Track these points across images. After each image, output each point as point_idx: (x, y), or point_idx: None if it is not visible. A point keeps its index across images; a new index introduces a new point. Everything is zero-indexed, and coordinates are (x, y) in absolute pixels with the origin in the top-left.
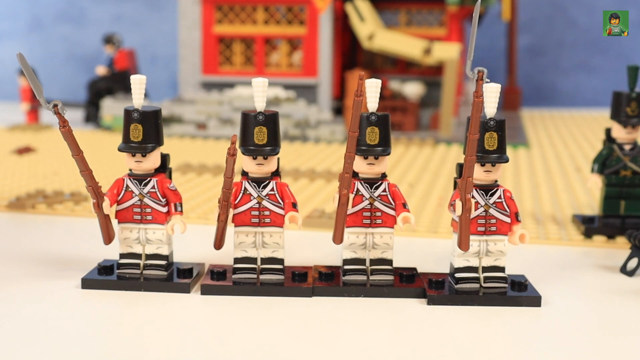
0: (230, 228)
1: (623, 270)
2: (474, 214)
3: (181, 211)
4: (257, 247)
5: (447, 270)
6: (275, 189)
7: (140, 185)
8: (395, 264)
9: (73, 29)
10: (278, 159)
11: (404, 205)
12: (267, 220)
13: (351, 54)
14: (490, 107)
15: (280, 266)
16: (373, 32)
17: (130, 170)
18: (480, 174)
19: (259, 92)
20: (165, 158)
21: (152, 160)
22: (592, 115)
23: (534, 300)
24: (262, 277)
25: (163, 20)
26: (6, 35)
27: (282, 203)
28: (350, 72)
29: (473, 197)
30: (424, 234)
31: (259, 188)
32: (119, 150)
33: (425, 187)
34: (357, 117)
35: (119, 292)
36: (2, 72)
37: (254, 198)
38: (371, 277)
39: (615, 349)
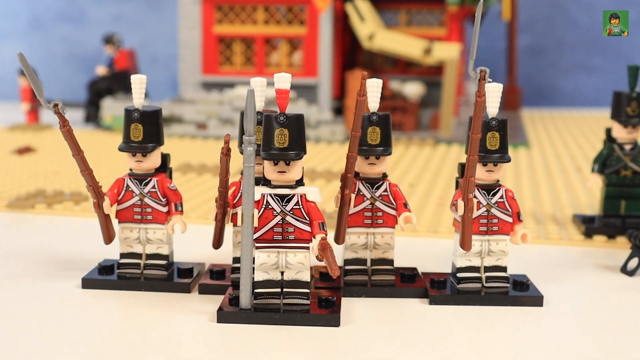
0: (229, 227)
1: (624, 270)
2: (476, 213)
3: (181, 211)
4: None
5: (448, 270)
6: None
7: (141, 185)
8: (397, 264)
9: (73, 29)
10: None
11: (405, 205)
12: None
13: (351, 54)
14: (493, 107)
15: None
16: (373, 32)
17: (131, 170)
18: (482, 174)
19: (257, 92)
20: (165, 158)
21: (153, 160)
22: (592, 115)
23: (536, 300)
24: None
25: (163, 20)
26: (6, 35)
27: None
28: (350, 72)
29: (475, 196)
30: (425, 234)
31: None
32: (120, 149)
33: (426, 187)
34: (360, 117)
35: (119, 292)
36: (2, 72)
37: None
38: (372, 277)
39: (616, 348)
